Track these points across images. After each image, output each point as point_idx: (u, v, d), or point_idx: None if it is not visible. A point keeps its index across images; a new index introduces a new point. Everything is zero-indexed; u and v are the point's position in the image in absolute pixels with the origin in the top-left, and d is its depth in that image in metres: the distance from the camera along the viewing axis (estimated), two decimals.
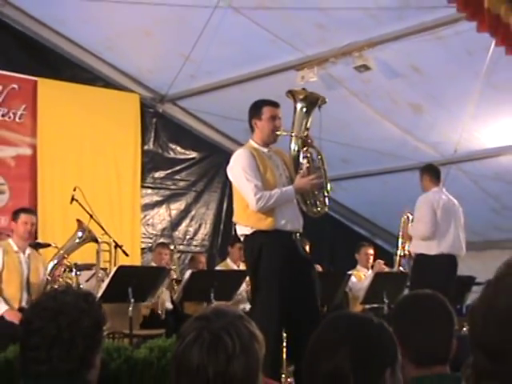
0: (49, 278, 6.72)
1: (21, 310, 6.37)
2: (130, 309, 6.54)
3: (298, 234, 5.44)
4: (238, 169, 5.36)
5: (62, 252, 6.94)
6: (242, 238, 5.43)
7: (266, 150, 5.50)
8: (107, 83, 10.12)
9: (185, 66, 9.30)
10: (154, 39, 9.16)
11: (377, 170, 10.71)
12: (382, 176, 10.87)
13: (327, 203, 5.57)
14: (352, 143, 9.46)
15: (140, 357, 5.17)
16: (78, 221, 7.48)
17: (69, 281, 6.91)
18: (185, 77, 9.64)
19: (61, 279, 6.83)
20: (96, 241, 7.28)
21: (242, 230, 5.38)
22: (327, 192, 5.53)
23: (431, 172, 8.01)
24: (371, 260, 9.29)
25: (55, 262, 6.93)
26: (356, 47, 8.41)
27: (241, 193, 5.36)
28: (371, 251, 9.38)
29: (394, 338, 2.01)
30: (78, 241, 7.16)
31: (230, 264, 8.91)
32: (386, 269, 9.27)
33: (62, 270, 6.89)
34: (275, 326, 5.08)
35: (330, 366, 1.90)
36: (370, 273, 9.01)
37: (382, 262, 9.26)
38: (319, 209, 5.55)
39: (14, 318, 6.26)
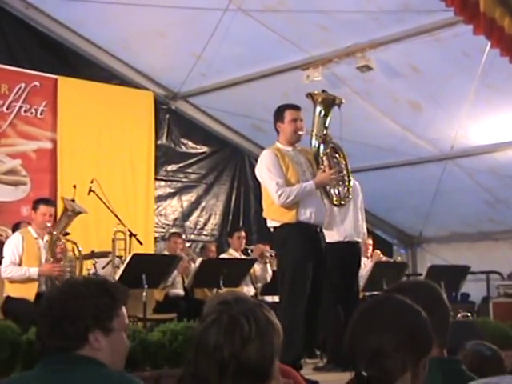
0: (51, 258, 6.66)
1: (40, 294, 6.38)
2: (144, 294, 6.56)
3: (321, 228, 5.56)
4: (263, 168, 5.48)
5: (55, 233, 6.83)
6: (272, 230, 5.55)
7: (290, 149, 5.57)
8: (123, 81, 10.12)
9: (196, 65, 9.31)
10: (167, 40, 9.16)
11: (378, 164, 10.70)
12: (382, 170, 10.86)
13: (348, 196, 5.73)
14: (354, 139, 9.44)
15: (153, 339, 5.20)
16: (64, 199, 7.34)
17: (69, 253, 6.84)
18: (196, 75, 9.65)
19: (59, 254, 6.73)
20: (80, 213, 7.11)
21: (271, 223, 5.52)
22: (348, 184, 5.69)
23: None
24: (370, 249, 9.28)
25: (48, 237, 6.81)
26: (358, 48, 8.40)
27: (267, 190, 5.48)
28: (370, 241, 9.36)
29: (431, 330, 1.99)
30: (67, 219, 7.01)
31: (232, 253, 8.91)
32: (384, 258, 9.28)
33: (62, 246, 6.79)
34: (300, 312, 5.20)
35: (374, 343, 1.90)
36: (368, 261, 9.00)
37: (379, 252, 9.26)
38: (340, 200, 5.69)
39: (48, 270, 6.43)
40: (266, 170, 5.44)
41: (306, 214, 5.39)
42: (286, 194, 5.32)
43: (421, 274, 9.76)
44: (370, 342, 1.92)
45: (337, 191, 5.66)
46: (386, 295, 2.09)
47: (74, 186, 7.65)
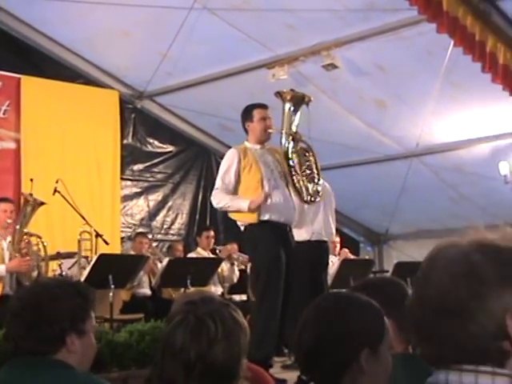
0: (17, 254, 6.58)
1: (5, 296, 6.30)
2: (111, 294, 6.52)
3: (290, 227, 5.61)
4: (221, 166, 5.59)
5: (18, 227, 6.74)
6: (242, 229, 5.57)
7: (258, 147, 5.61)
8: (88, 80, 10.04)
9: (162, 64, 9.26)
10: (132, 39, 9.10)
11: (343, 162, 10.75)
12: (348, 168, 10.92)
13: (318, 194, 5.75)
14: (320, 137, 9.47)
15: (120, 340, 5.17)
16: (22, 194, 7.26)
17: (34, 247, 6.78)
18: (162, 74, 9.60)
19: (24, 249, 6.64)
20: (42, 203, 7.04)
21: (240, 222, 5.55)
22: (318, 183, 5.72)
23: None
24: (338, 247, 9.32)
25: (10, 237, 6.71)
26: (324, 47, 8.43)
27: None
28: (337, 239, 9.40)
29: (382, 320, 1.95)
30: (29, 212, 6.91)
31: (201, 252, 8.90)
32: (351, 256, 9.33)
33: (26, 241, 6.72)
34: (274, 311, 5.23)
35: (307, 342, 1.89)
36: (336, 259, 9.04)
37: (347, 251, 9.31)
38: (311, 197, 5.70)
39: (16, 266, 6.39)
40: (221, 169, 5.54)
41: (269, 215, 5.40)
42: (218, 197, 5.44)
43: (387, 271, 9.83)
44: (303, 342, 1.90)
45: (306, 188, 5.69)
46: (324, 294, 2.10)
47: (31, 180, 7.58)
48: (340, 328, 1.88)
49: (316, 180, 5.73)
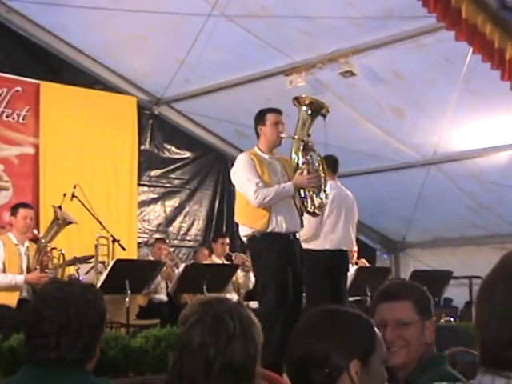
0: (37, 267, 6.62)
1: (22, 300, 6.33)
2: (127, 300, 6.54)
3: (295, 235, 5.52)
4: (240, 170, 5.44)
5: (43, 241, 6.78)
6: (244, 240, 5.55)
7: (267, 156, 5.53)
8: (106, 86, 10.10)
9: (180, 70, 9.29)
10: (150, 45, 9.14)
11: (361, 169, 10.72)
12: (365, 175, 10.88)
13: (322, 206, 5.65)
14: (337, 144, 9.47)
15: (136, 345, 5.18)
16: (53, 206, 7.32)
17: (55, 261, 6.82)
18: (180, 81, 9.64)
19: (45, 262, 6.68)
20: (71, 223, 7.09)
21: (243, 232, 5.48)
22: (325, 194, 5.62)
23: (329, 164, 6.36)
24: (355, 256, 9.29)
25: (28, 243, 6.75)
26: (342, 54, 8.42)
27: (242, 192, 5.44)
28: (355, 248, 9.37)
29: (372, 332, 1.96)
30: (56, 229, 6.95)
31: (214, 259, 8.89)
32: (368, 265, 9.31)
33: (49, 254, 6.75)
34: (279, 322, 5.13)
35: (299, 352, 1.90)
36: (354, 268, 9.01)
37: (365, 261, 9.29)
38: (314, 209, 5.60)
39: (35, 279, 6.40)
40: (244, 172, 5.40)
41: (277, 222, 5.34)
42: (263, 193, 5.27)
43: (404, 279, 9.79)
44: (295, 351, 1.91)
45: (312, 199, 5.58)
46: (312, 309, 2.11)
47: (64, 195, 7.60)
48: (326, 341, 1.88)
49: (322, 192, 5.60)
